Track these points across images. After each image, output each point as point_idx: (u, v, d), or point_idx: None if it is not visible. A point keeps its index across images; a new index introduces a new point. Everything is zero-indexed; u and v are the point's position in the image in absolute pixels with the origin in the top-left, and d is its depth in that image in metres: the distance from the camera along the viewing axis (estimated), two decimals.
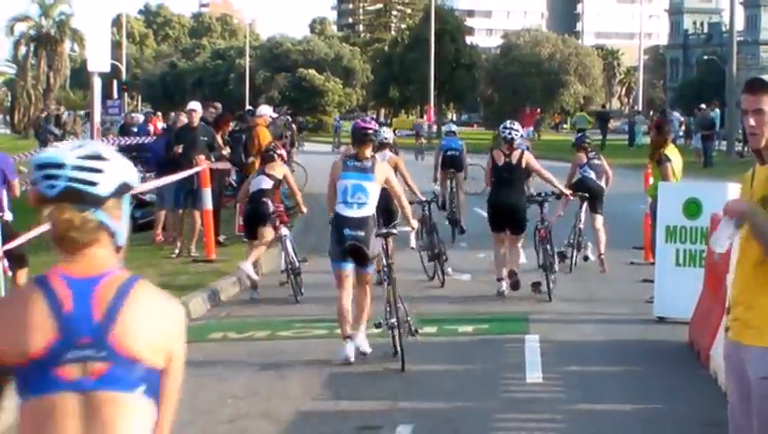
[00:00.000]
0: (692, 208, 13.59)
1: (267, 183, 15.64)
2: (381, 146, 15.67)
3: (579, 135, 21.48)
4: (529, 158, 15.68)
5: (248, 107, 50.56)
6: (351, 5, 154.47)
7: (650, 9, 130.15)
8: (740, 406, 5.46)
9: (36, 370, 3.42)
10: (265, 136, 21.26)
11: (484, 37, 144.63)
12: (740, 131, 54.63)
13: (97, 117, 15.39)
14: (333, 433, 9.04)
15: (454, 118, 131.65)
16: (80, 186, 3.46)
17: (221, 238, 19.90)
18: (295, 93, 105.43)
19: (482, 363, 11.54)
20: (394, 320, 11.34)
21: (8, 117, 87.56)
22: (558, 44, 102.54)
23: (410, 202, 13.70)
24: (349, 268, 11.52)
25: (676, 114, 61.41)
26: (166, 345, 3.52)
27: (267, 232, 15.62)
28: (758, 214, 5.23)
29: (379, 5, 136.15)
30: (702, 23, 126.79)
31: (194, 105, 20.05)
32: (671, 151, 15.52)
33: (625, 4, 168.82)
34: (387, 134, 16.68)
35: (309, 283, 16.37)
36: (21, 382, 3.48)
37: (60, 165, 3.45)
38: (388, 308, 11.56)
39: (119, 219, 3.58)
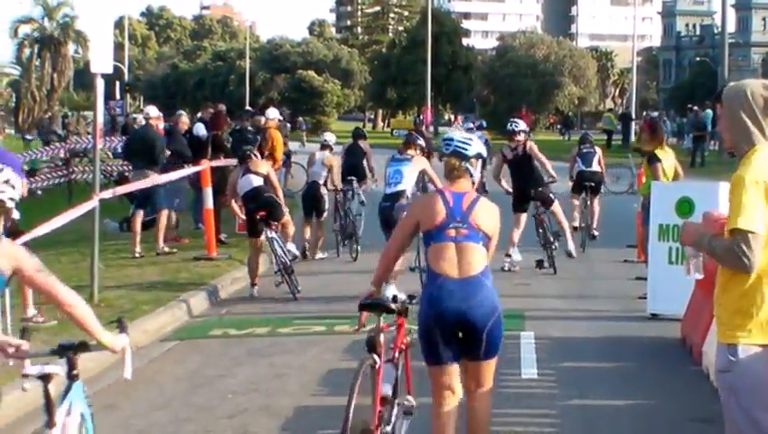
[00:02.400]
0: (684, 207, 13.60)
1: (258, 181, 15.74)
2: (323, 147, 19.67)
3: (582, 132, 23.26)
4: (532, 145, 17.70)
5: (247, 107, 50.55)
6: (349, 8, 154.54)
7: (643, 12, 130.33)
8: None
9: (436, 231, 7.35)
10: (278, 138, 21.44)
11: (480, 39, 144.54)
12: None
13: (100, 118, 15.34)
14: (332, 429, 9.01)
15: (452, 119, 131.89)
16: (461, 150, 7.55)
17: (222, 236, 19.90)
18: (294, 94, 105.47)
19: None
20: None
21: (12, 118, 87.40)
22: (553, 46, 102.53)
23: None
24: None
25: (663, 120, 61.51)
26: (494, 227, 7.49)
27: (287, 220, 16.07)
28: (704, 240, 5.62)
29: (377, 8, 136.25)
30: (694, 26, 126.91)
31: (150, 109, 20.44)
32: (663, 151, 15.52)
33: (619, 7, 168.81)
34: (328, 137, 20.18)
35: (309, 282, 16.38)
36: (427, 237, 7.41)
37: (451, 139, 7.63)
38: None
39: (475, 167, 7.58)
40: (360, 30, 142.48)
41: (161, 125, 20.17)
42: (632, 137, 62.93)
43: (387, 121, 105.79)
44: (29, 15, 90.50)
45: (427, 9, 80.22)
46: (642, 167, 16.36)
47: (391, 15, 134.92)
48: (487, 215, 7.43)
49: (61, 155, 33.00)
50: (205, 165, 19.05)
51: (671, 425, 9.14)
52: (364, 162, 21.53)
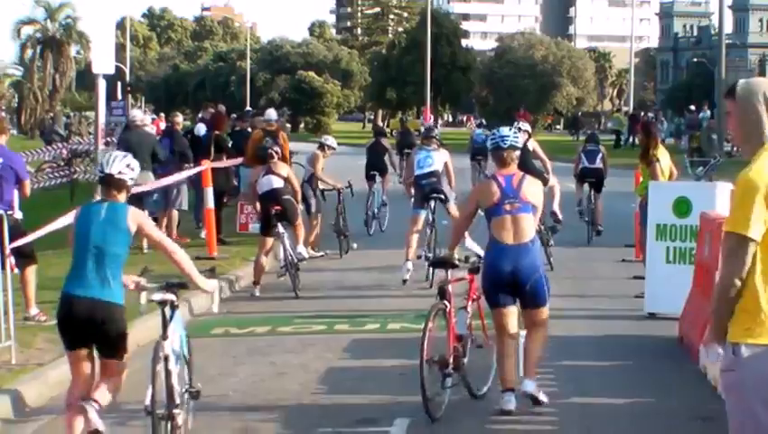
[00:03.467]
0: (682, 206, 13.61)
1: (279, 182, 15.83)
2: (320, 146, 19.74)
3: (590, 132, 23.81)
4: (535, 145, 18.44)
5: (247, 108, 50.53)
6: (349, 9, 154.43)
7: (641, 13, 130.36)
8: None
9: (495, 208, 9.37)
10: (286, 140, 21.34)
11: (479, 40, 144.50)
12: (729, 132, 54.81)
13: (102, 119, 15.36)
14: (332, 427, 9.03)
15: (450, 120, 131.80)
16: (515, 143, 9.66)
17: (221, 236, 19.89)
18: (294, 95, 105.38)
19: (477, 357, 11.53)
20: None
21: (15, 118, 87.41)
22: (552, 47, 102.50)
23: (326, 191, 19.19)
24: (422, 214, 16.48)
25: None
26: (539, 198, 9.60)
27: (300, 225, 16.28)
28: (714, 324, 5.39)
29: (377, 9, 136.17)
30: (692, 27, 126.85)
31: (135, 113, 20.62)
32: (660, 152, 15.54)
33: (617, 8, 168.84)
34: (326, 138, 20.09)
35: (309, 281, 16.38)
36: (488, 213, 9.42)
37: (507, 135, 9.71)
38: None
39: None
40: (359, 31, 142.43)
41: (149, 125, 20.19)
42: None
43: (386, 121, 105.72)
44: (31, 17, 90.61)
45: (427, 10, 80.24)
46: (639, 167, 16.36)
47: (391, 17, 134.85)
48: (533, 189, 9.59)
49: (63, 155, 33.04)
50: (206, 166, 19.05)
51: (670, 423, 9.14)
52: (386, 158, 23.66)
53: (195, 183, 20.06)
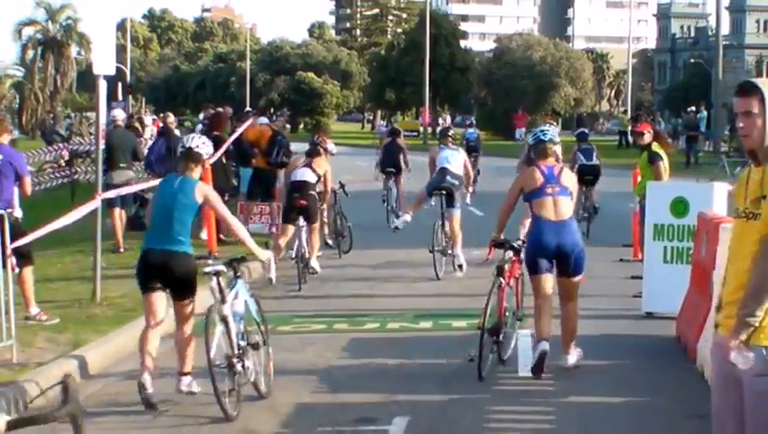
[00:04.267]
0: (679, 207, 13.62)
1: (312, 177, 16.55)
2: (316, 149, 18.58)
3: (579, 131, 24.42)
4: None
5: (247, 108, 50.53)
6: (348, 11, 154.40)
7: (638, 14, 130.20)
8: (724, 402, 5.38)
9: (538, 191, 10.88)
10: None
11: (478, 41, 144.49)
12: (726, 132, 54.78)
13: (102, 119, 15.34)
14: (332, 425, 9.03)
15: (449, 120, 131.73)
16: (554, 138, 11.36)
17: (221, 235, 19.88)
18: (294, 95, 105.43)
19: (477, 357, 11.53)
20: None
21: (16, 119, 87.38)
22: (550, 48, 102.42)
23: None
24: (429, 200, 17.60)
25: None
26: (574, 185, 11.19)
27: (317, 231, 16.88)
28: (740, 321, 5.14)
29: (376, 11, 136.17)
30: (689, 28, 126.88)
31: (116, 113, 20.71)
32: (660, 151, 15.53)
33: (615, 9, 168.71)
34: (331, 147, 19.08)
35: (309, 281, 16.39)
36: (531, 195, 10.91)
37: (547, 131, 11.42)
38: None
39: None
40: (359, 32, 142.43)
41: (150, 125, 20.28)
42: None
43: (386, 122, 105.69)
44: (32, 18, 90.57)
45: (426, 12, 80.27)
46: (638, 167, 16.36)
47: (390, 18, 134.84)
48: (569, 178, 11.26)
49: (64, 155, 33.02)
50: (205, 166, 19.04)
51: (667, 422, 9.15)
52: (400, 156, 25.04)
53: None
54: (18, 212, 12.76)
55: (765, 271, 5.07)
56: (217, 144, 20.88)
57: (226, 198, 20.96)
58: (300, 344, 12.26)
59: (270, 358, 10.04)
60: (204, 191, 9.66)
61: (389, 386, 10.21)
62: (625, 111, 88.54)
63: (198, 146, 9.73)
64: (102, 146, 14.96)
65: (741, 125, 5.29)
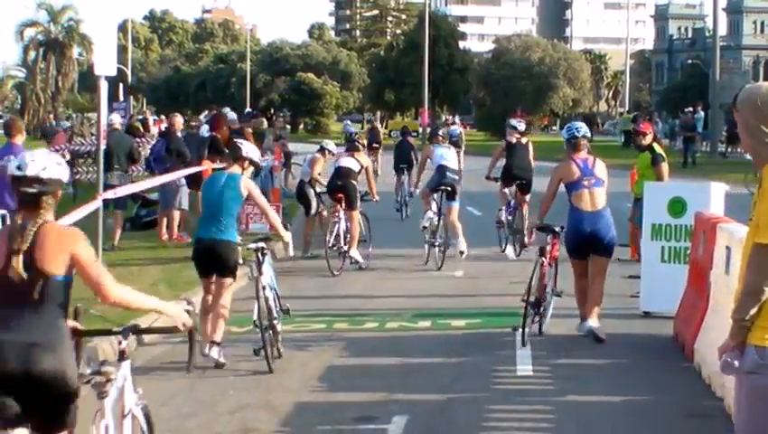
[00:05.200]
0: (677, 207, 13.62)
1: (355, 165, 18.04)
2: (320, 149, 19.71)
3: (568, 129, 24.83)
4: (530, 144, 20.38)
5: (247, 109, 50.54)
6: (348, 12, 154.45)
7: (636, 15, 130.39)
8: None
9: (576, 183, 12.23)
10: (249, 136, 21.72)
11: (477, 42, 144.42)
12: (723, 133, 54.80)
13: (104, 120, 15.34)
14: (331, 424, 9.03)
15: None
16: (586, 133, 12.58)
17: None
18: (294, 96, 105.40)
19: (475, 356, 11.55)
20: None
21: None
22: (548, 49, 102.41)
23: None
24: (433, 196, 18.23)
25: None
26: (606, 176, 12.40)
27: (356, 223, 17.75)
28: (732, 330, 5.23)
29: (375, 12, 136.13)
30: (686, 29, 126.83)
31: (113, 117, 20.80)
32: (662, 151, 15.54)
33: (612, 11, 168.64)
34: (332, 147, 19.90)
35: (309, 281, 16.38)
36: (570, 187, 12.28)
37: (580, 127, 12.58)
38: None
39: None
40: (358, 33, 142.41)
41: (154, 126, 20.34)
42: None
43: (385, 123, 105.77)
44: (34, 19, 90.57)
45: (425, 13, 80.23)
46: (635, 167, 16.36)
47: (389, 19, 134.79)
48: (602, 170, 12.46)
49: (66, 156, 32.97)
50: (205, 166, 19.05)
51: (665, 420, 9.14)
52: (411, 153, 27.73)
53: (192, 183, 19.99)
54: None
55: (751, 276, 5.15)
56: (213, 145, 20.96)
57: None
58: (300, 343, 12.26)
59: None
60: (248, 184, 11.20)
61: (389, 385, 10.21)
62: (628, 111, 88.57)
63: (247, 151, 11.36)
64: (102, 146, 14.95)
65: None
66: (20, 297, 5.45)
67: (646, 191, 14.35)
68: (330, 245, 17.22)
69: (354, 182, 17.72)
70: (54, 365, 5.37)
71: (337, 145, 22.00)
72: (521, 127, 20.50)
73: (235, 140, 12.07)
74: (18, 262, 5.44)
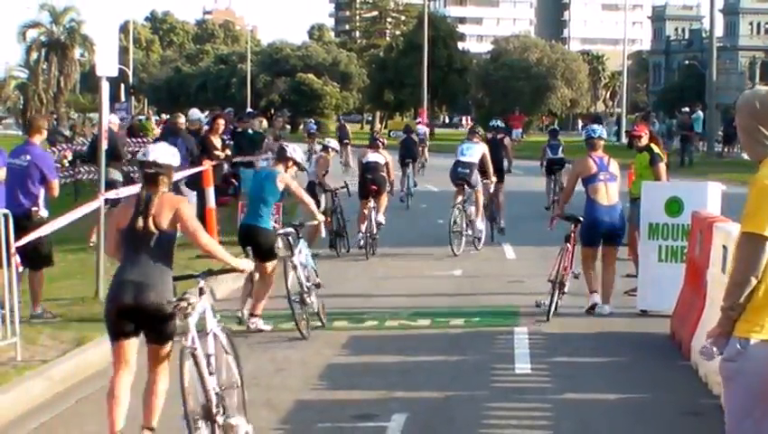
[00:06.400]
0: (674, 206, 13.61)
1: (382, 160, 20.11)
2: (323, 148, 20.54)
3: (550, 129, 29.80)
4: (508, 141, 23.02)
5: (248, 109, 50.55)
6: (347, 13, 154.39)
7: (633, 16, 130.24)
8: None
9: (593, 177, 13.75)
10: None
11: (475, 43, 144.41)
12: (720, 132, 54.78)
13: (105, 120, 15.32)
14: (331, 422, 9.03)
15: (447, 120, 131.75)
16: (603, 135, 14.29)
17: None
18: (294, 96, 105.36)
19: (474, 354, 11.55)
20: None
21: (20, 119, 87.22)
22: (546, 50, 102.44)
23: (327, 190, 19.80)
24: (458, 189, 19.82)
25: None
26: (618, 172, 13.95)
27: (384, 198, 20.13)
28: (723, 316, 5.46)
29: (375, 13, 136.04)
30: (683, 30, 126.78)
31: (111, 117, 20.91)
32: (660, 151, 15.51)
33: (610, 12, 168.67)
34: (333, 144, 20.59)
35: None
36: (587, 181, 13.76)
37: (596, 129, 14.49)
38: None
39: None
40: (358, 34, 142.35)
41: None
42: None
43: (384, 123, 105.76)
44: (36, 20, 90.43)
45: (424, 14, 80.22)
46: (633, 167, 16.34)
47: (389, 20, 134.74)
48: (616, 167, 13.93)
49: (67, 155, 32.99)
50: (206, 166, 19.05)
51: (662, 418, 9.15)
52: (415, 148, 31.41)
53: (191, 183, 19.90)
54: (44, 213, 12.81)
55: (739, 264, 5.35)
56: (205, 145, 20.92)
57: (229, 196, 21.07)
58: (300, 341, 12.26)
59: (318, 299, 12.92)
60: (285, 179, 12.75)
61: (388, 383, 10.21)
62: (629, 112, 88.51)
63: (291, 153, 12.94)
64: (104, 146, 14.93)
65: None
66: (141, 246, 7.75)
67: (643, 190, 14.33)
68: (363, 232, 19.23)
69: (382, 174, 19.90)
70: (154, 299, 7.66)
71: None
72: (498, 123, 23.61)
73: (283, 144, 13.85)
74: (144, 221, 7.72)
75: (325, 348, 11.88)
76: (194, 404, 7.65)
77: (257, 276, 12.66)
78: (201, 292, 7.92)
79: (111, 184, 18.67)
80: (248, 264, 8.47)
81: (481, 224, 19.97)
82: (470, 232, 19.67)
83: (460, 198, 19.58)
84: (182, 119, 21.86)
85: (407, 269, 17.84)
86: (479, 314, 13.84)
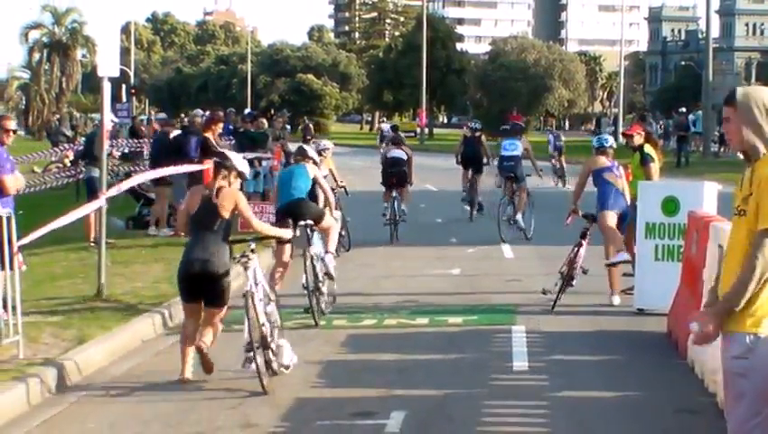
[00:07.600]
0: (670, 205, 13.61)
1: (404, 155, 21.72)
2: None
3: (548, 130, 29.11)
4: (484, 140, 25.58)
5: (248, 110, 50.55)
6: (347, 14, 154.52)
7: (630, 17, 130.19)
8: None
9: (606, 169, 14.74)
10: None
11: (473, 44, 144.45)
12: (716, 133, 54.80)
13: (107, 120, 15.31)
14: (330, 419, 9.02)
15: (445, 121, 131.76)
16: (610, 144, 15.21)
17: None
18: (294, 97, 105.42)
19: (472, 352, 11.55)
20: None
21: (22, 120, 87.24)
22: (544, 51, 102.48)
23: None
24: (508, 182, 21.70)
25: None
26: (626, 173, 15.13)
27: (407, 190, 21.67)
28: (720, 306, 5.44)
29: (374, 14, 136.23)
30: (680, 31, 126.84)
31: (94, 116, 20.92)
32: (651, 151, 15.50)
33: (607, 13, 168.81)
34: (325, 144, 20.27)
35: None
36: (598, 172, 14.76)
37: (608, 138, 15.51)
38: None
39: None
40: (357, 35, 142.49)
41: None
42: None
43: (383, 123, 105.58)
44: (39, 21, 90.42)
45: (422, 15, 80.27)
46: (629, 167, 16.34)
47: (388, 21, 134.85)
48: (623, 171, 14.82)
49: (69, 155, 32.99)
50: (207, 166, 19.03)
51: (659, 416, 9.14)
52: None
53: (196, 182, 19.93)
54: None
55: (750, 266, 5.28)
56: (202, 146, 20.91)
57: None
58: (299, 339, 12.24)
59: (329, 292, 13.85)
60: (314, 171, 14.22)
61: (387, 381, 10.21)
62: (627, 113, 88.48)
63: (307, 150, 14.54)
64: (105, 145, 14.93)
65: (724, 129, 5.68)
66: (206, 228, 9.97)
67: (640, 190, 14.34)
68: (387, 220, 20.95)
69: (404, 168, 21.42)
70: (216, 268, 9.90)
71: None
72: (477, 125, 26.10)
73: (303, 146, 15.30)
74: (210, 208, 9.89)
75: (324, 346, 11.88)
76: (255, 335, 9.75)
77: (286, 255, 13.71)
78: (253, 252, 10.02)
79: (92, 181, 18.79)
80: (287, 232, 11.82)
81: (521, 221, 21.40)
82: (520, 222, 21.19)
83: (508, 191, 21.52)
84: (198, 118, 21.97)
85: (406, 268, 17.84)
86: (477, 312, 13.83)
